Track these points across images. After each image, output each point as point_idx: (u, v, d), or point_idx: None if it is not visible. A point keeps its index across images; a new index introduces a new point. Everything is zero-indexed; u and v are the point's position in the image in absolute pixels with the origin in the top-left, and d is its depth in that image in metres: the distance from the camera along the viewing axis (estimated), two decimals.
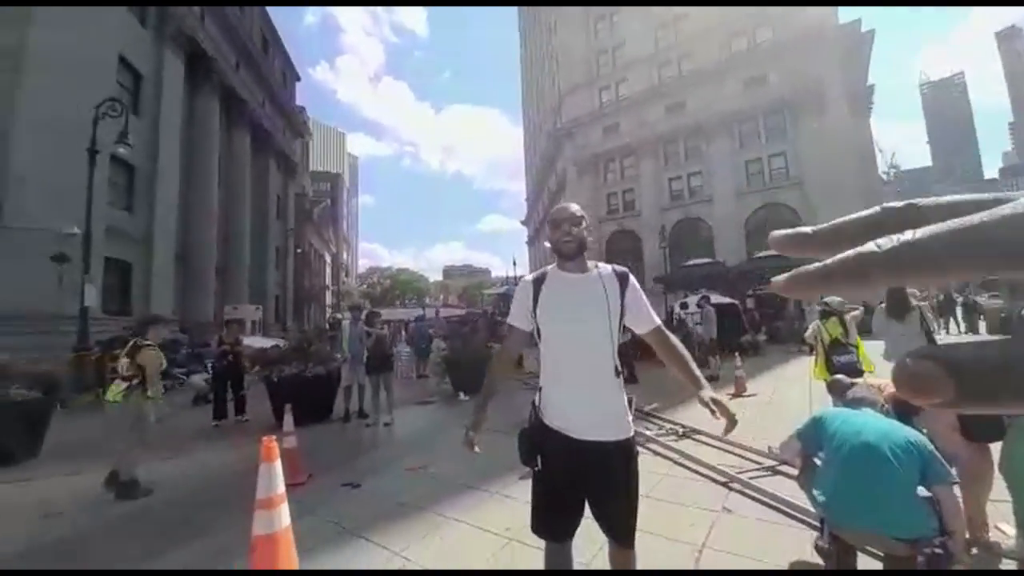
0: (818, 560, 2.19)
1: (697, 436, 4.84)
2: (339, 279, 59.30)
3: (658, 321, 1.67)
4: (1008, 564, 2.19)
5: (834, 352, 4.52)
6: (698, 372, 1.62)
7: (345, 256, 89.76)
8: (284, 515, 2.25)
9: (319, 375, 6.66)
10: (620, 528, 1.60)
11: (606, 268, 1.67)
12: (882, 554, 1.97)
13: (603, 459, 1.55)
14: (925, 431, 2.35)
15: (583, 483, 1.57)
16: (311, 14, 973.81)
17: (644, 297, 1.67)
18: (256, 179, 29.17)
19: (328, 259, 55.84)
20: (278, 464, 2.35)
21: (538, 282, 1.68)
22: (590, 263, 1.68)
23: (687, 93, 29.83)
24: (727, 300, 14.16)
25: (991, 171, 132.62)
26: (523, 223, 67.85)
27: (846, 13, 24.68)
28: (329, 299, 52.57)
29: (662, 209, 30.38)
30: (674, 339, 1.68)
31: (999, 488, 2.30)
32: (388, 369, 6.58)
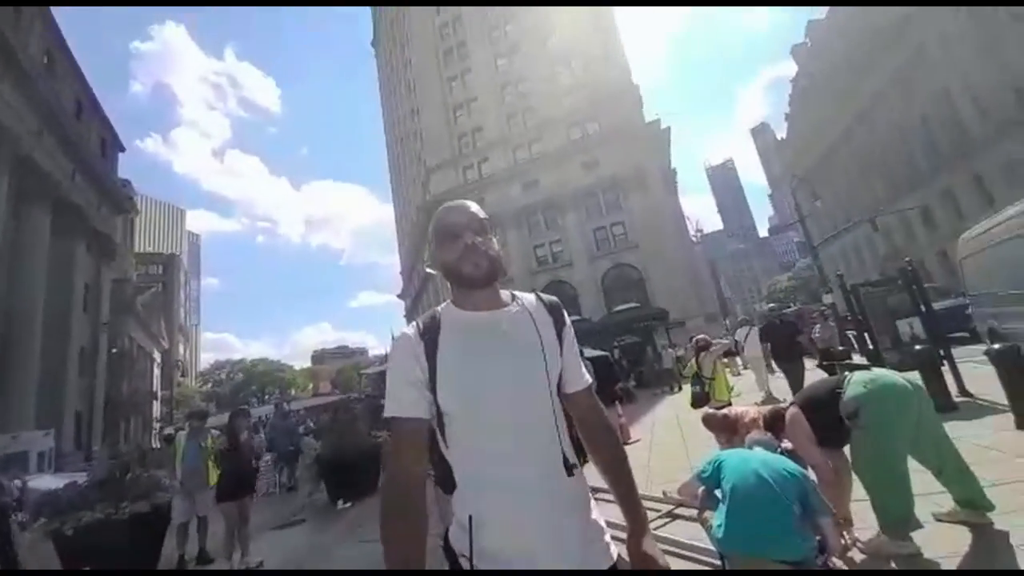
0: None
1: (598, 495, 4.82)
2: (172, 381, 49.13)
3: (590, 377, 1.17)
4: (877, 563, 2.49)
5: (693, 383, 5.59)
6: (637, 493, 1.14)
7: (183, 351, 75.66)
8: None
9: (137, 515, 5.05)
10: None
11: (528, 297, 1.15)
12: None
13: None
14: (788, 443, 2.69)
15: None
16: (139, 83, 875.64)
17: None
18: (57, 264, 23.58)
19: (158, 358, 46.24)
20: None
21: (429, 334, 1.04)
22: (504, 293, 1.12)
23: (539, 173, 33.87)
24: (598, 352, 15.30)
25: (763, 231, 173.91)
26: (399, 297, 66.20)
27: (648, 112, 32.27)
28: (158, 409, 42.85)
29: (531, 273, 32.62)
30: (606, 418, 1.17)
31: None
32: (253, 490, 5.23)
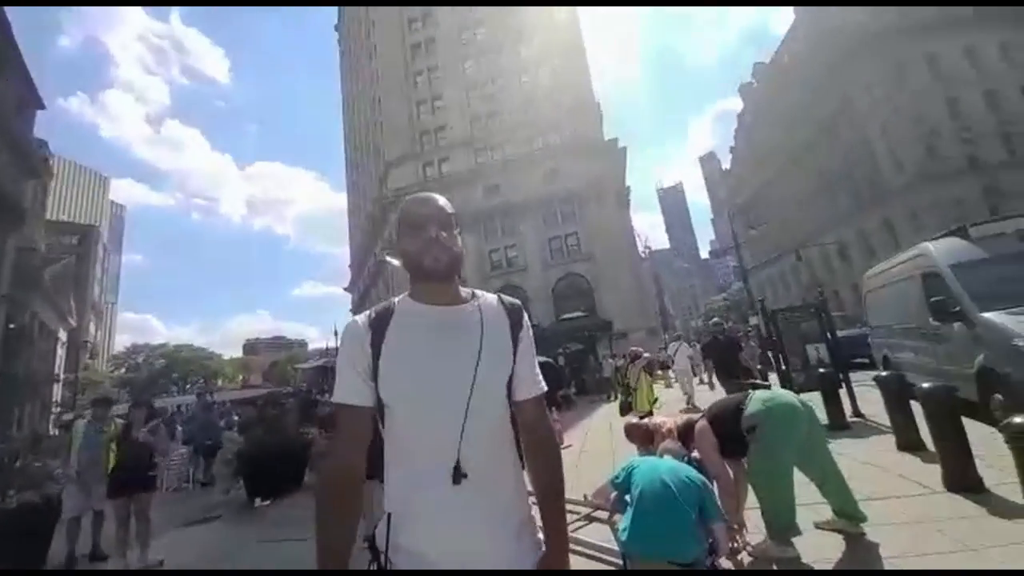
0: None
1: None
2: (79, 363, 44.41)
3: (544, 386, 1.14)
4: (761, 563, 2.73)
5: (624, 394, 6.11)
6: (564, 516, 1.13)
7: (94, 331, 68.65)
8: None
9: (27, 505, 4.59)
10: None
11: (489, 298, 1.13)
12: None
13: None
14: (696, 453, 2.91)
15: None
16: (67, 38, 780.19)
17: (534, 347, 1.15)
18: None
19: (63, 337, 41.60)
20: None
21: (379, 322, 1.03)
22: (464, 291, 1.11)
23: (500, 178, 34.07)
24: (543, 359, 15.59)
25: (704, 253, 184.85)
26: (346, 290, 63.87)
27: (608, 131, 34.10)
28: (60, 393, 38.56)
29: (485, 277, 32.64)
30: (552, 425, 1.17)
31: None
32: (147, 487, 4.76)
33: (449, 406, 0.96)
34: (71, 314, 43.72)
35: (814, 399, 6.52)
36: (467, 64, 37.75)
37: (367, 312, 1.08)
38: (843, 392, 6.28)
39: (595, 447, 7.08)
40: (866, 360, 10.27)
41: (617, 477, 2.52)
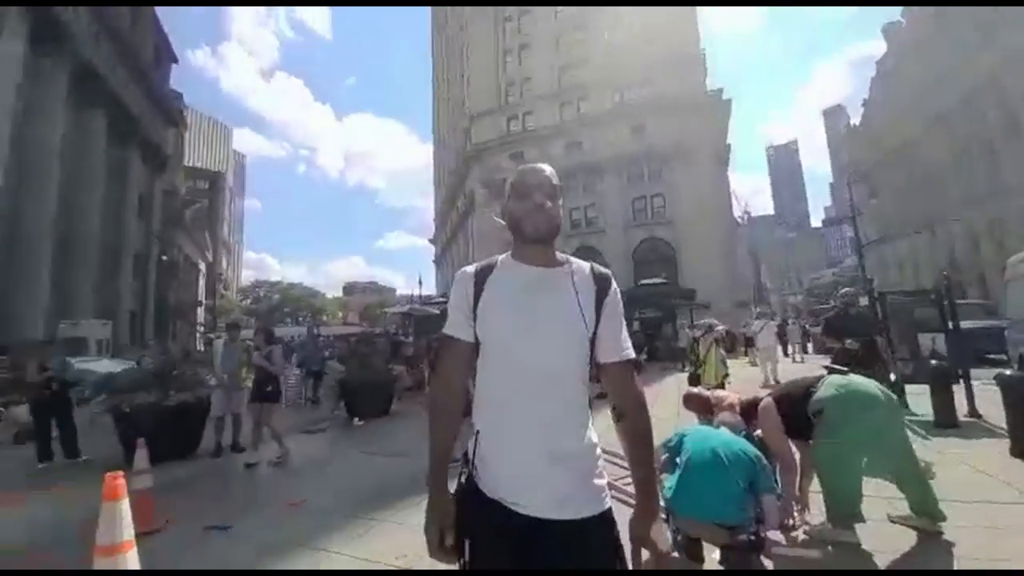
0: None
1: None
2: (216, 292, 52.43)
3: (631, 353, 1.21)
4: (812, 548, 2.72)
5: (694, 365, 6.14)
6: (655, 477, 1.21)
7: (225, 266, 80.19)
8: (132, 564, 1.96)
9: (183, 404, 5.85)
10: None
11: (582, 265, 1.23)
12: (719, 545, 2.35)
13: (574, 548, 1.04)
14: (759, 432, 2.89)
15: None
16: None
17: (622, 316, 1.23)
18: (113, 170, 24.95)
19: (203, 269, 49.27)
20: (125, 503, 2.06)
21: (482, 274, 1.20)
22: (560, 255, 1.23)
23: (583, 134, 32.66)
24: None
25: (816, 222, 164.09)
26: (431, 242, 67.16)
27: (711, 82, 30.67)
28: (202, 316, 46.16)
29: (563, 237, 32.23)
30: (641, 392, 1.20)
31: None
32: (266, 399, 5.66)
33: (534, 351, 1.09)
34: (208, 249, 51.27)
35: (922, 393, 5.87)
36: (559, 9, 35.67)
37: (476, 264, 1.26)
38: (960, 389, 5.59)
39: (660, 414, 7.10)
40: (1003, 356, 8.88)
41: (669, 441, 2.63)
